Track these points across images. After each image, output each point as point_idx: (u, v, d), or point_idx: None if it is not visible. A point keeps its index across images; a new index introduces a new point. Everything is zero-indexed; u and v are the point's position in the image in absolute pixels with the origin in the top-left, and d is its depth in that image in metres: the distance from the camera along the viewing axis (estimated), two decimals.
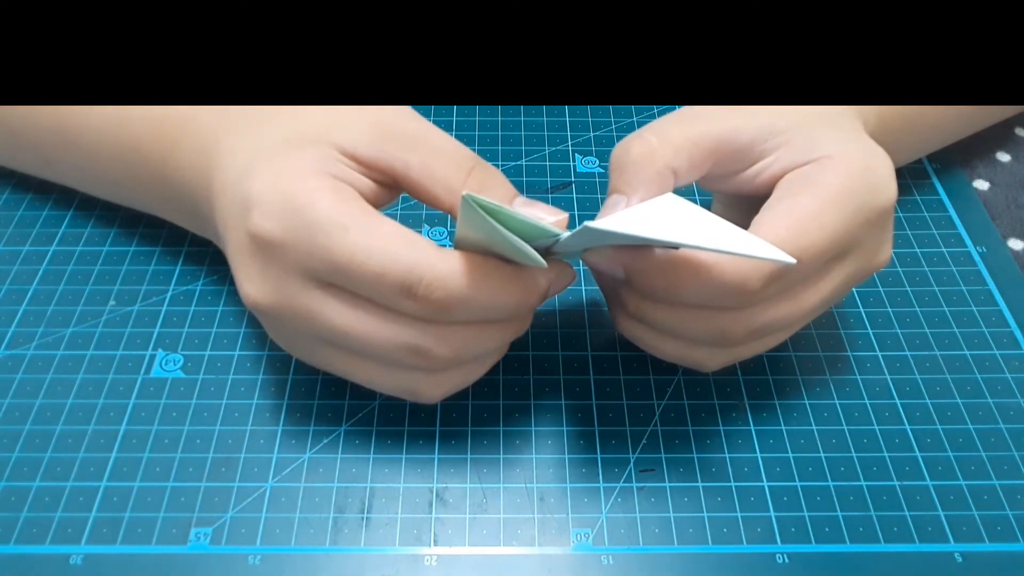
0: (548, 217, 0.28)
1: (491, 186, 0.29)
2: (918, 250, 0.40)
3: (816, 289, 0.30)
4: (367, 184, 0.29)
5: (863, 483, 0.32)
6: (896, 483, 0.32)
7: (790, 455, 0.32)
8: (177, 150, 0.32)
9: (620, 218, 0.28)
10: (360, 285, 0.27)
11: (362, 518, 0.30)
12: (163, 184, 0.34)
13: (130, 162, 0.35)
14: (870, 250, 0.31)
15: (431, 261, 0.26)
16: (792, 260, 0.25)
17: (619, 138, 0.45)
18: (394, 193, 0.30)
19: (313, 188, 0.27)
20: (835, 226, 0.28)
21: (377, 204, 0.29)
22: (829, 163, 0.29)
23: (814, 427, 0.33)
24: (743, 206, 0.31)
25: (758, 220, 0.29)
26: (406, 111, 0.30)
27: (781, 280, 0.28)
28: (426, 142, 0.29)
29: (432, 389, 0.30)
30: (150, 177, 0.34)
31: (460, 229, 0.27)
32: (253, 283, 0.28)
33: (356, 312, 0.27)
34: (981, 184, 0.44)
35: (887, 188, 0.30)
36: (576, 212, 0.42)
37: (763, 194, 0.30)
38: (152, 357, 0.35)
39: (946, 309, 0.37)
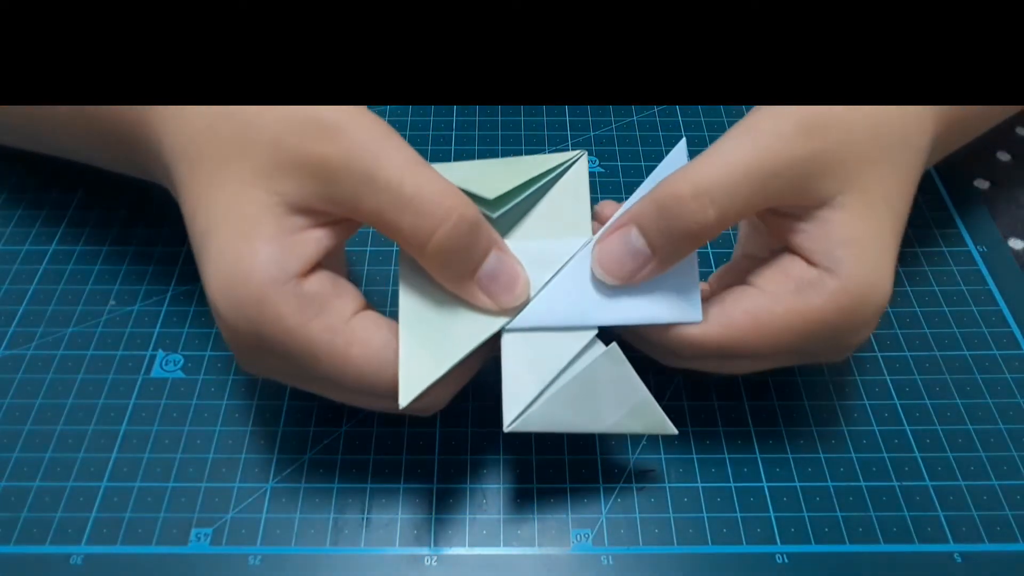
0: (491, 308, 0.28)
1: (461, 250, 0.26)
2: (918, 249, 0.40)
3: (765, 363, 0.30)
4: (324, 236, 0.27)
5: (863, 483, 0.32)
6: (896, 483, 0.32)
7: (789, 456, 0.32)
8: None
9: (537, 312, 0.28)
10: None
11: (362, 519, 0.31)
12: (92, 120, 0.32)
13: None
14: (824, 357, 0.31)
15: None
16: (698, 318, 0.28)
17: (619, 138, 0.46)
18: (357, 223, 0.28)
19: (274, 308, 0.25)
20: (798, 347, 0.29)
21: (343, 238, 0.28)
22: (827, 283, 0.28)
23: (813, 428, 0.33)
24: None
25: (734, 296, 0.29)
26: (358, 128, 0.26)
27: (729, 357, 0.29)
28: (376, 185, 0.26)
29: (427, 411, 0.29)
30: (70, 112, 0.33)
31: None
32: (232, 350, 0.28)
33: (336, 391, 0.28)
34: (982, 183, 0.44)
35: (868, 327, 0.29)
36: None
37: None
38: (152, 357, 0.35)
39: (946, 309, 0.37)
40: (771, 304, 0.28)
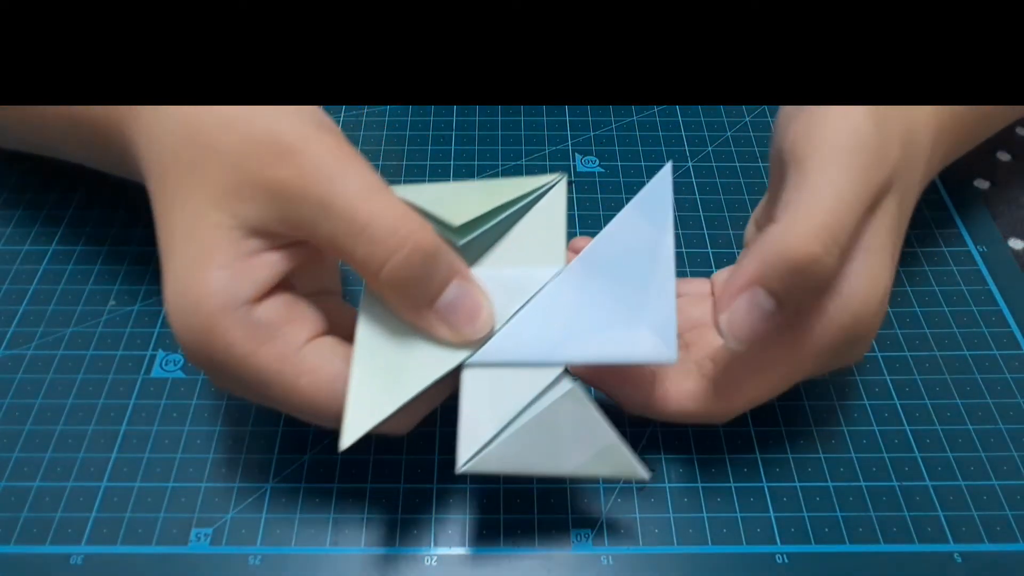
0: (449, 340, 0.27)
1: (417, 279, 0.26)
2: (918, 249, 0.40)
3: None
4: (281, 259, 0.27)
5: (863, 483, 0.32)
6: (895, 483, 0.32)
7: (789, 456, 0.32)
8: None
9: (500, 346, 0.27)
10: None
11: (362, 519, 0.31)
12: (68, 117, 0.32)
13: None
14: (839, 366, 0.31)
15: None
16: (673, 359, 0.26)
17: (619, 138, 0.46)
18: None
19: (223, 335, 0.25)
20: (793, 378, 0.29)
21: (304, 260, 0.27)
22: (828, 307, 0.27)
23: (813, 428, 0.33)
24: None
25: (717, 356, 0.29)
26: (315, 151, 0.26)
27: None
28: (331, 211, 0.25)
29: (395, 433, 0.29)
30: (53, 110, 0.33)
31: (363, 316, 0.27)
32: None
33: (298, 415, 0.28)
34: (982, 183, 0.44)
35: (862, 348, 0.29)
36: (576, 212, 0.42)
37: None
38: (152, 357, 0.35)
39: (946, 309, 0.37)
40: (774, 361, 0.29)
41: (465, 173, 0.43)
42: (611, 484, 0.31)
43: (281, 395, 0.26)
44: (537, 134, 0.46)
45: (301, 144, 0.26)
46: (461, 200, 0.28)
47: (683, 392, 0.30)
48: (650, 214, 0.27)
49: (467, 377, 0.27)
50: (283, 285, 0.27)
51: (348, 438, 0.25)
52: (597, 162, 0.44)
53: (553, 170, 0.44)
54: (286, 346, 0.26)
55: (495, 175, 0.43)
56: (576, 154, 0.45)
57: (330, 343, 0.27)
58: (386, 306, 0.27)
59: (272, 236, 0.26)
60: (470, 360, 0.27)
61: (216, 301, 0.25)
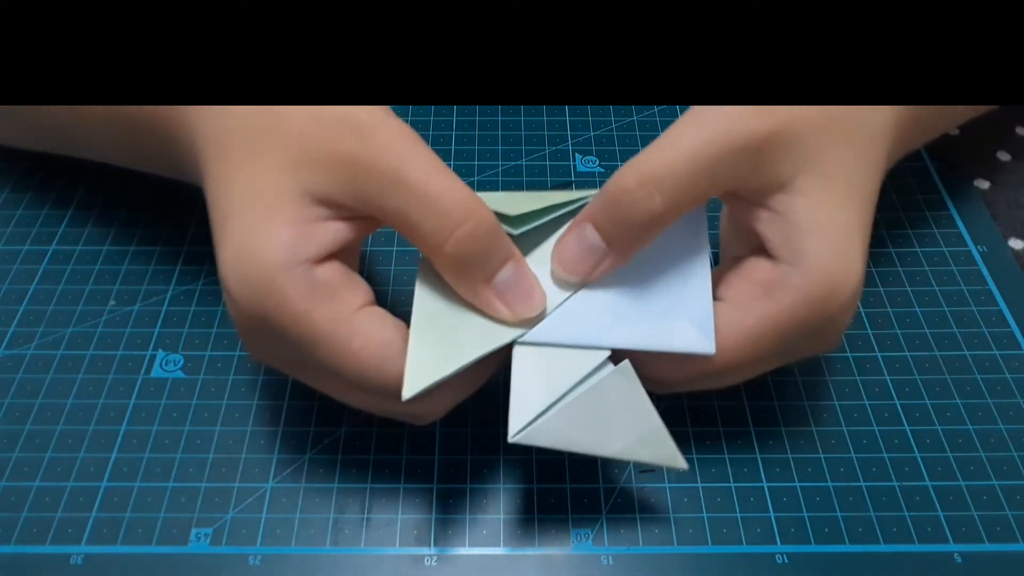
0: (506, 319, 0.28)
1: (479, 254, 0.27)
2: (918, 249, 0.40)
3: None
4: (344, 229, 0.27)
5: (862, 484, 0.32)
6: (895, 484, 0.32)
7: (789, 456, 0.32)
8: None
9: (551, 328, 0.28)
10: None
11: (362, 519, 0.31)
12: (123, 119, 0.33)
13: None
14: (812, 349, 0.30)
15: (401, 351, 0.27)
16: (711, 351, 0.28)
17: (619, 138, 0.46)
18: (376, 222, 0.29)
19: (282, 290, 0.26)
20: (779, 350, 0.29)
21: (361, 235, 0.28)
22: (792, 278, 0.28)
23: (813, 428, 0.33)
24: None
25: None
26: (388, 131, 0.27)
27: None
28: (402, 185, 0.26)
29: (426, 418, 0.30)
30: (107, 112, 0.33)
31: (419, 294, 0.28)
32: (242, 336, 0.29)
33: (335, 385, 0.28)
34: (982, 183, 0.44)
35: (845, 313, 0.28)
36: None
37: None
38: (152, 357, 0.35)
39: (946, 309, 0.37)
40: (742, 316, 0.28)
41: (465, 173, 0.43)
42: (611, 484, 0.31)
43: (331, 356, 0.26)
44: (537, 134, 0.46)
45: (374, 123, 0.27)
46: (514, 201, 0.30)
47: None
48: (687, 213, 0.29)
49: (518, 353, 0.28)
50: (340, 255, 0.28)
51: (410, 389, 0.26)
52: (597, 162, 0.44)
53: (553, 170, 0.44)
54: (342, 309, 0.26)
55: (495, 175, 0.43)
56: (576, 154, 0.45)
57: (380, 312, 0.27)
58: (444, 283, 0.28)
59: (336, 207, 0.27)
60: (522, 338, 0.28)
61: (278, 256, 0.26)
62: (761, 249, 0.29)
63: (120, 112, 0.32)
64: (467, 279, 0.27)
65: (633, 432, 0.28)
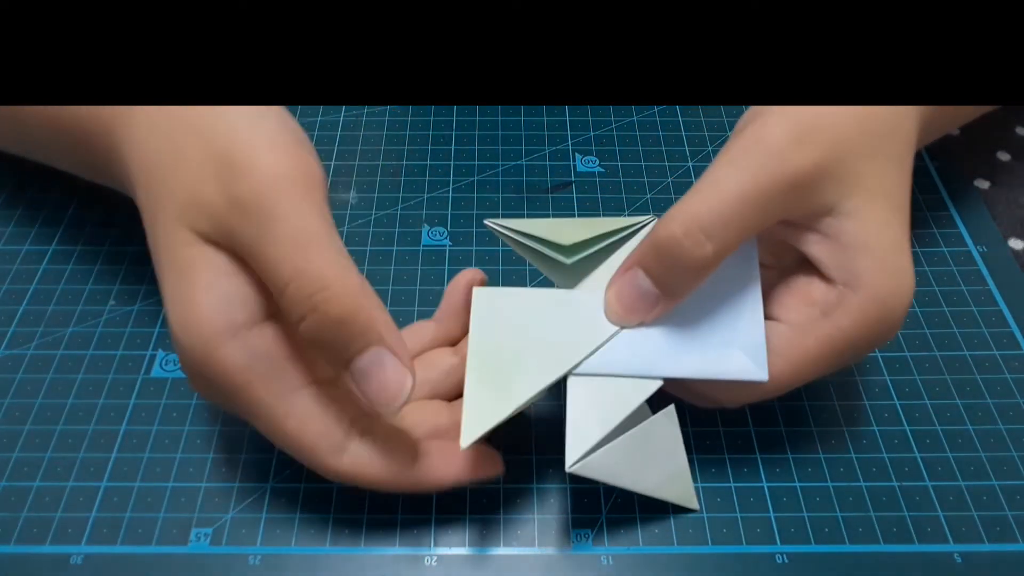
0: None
1: (335, 339, 0.25)
2: (919, 249, 0.40)
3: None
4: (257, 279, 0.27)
5: (862, 484, 0.32)
6: (895, 484, 0.32)
7: (789, 456, 0.32)
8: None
9: (604, 359, 0.29)
10: None
11: (362, 518, 0.30)
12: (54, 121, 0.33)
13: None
14: (860, 359, 0.32)
15: (338, 443, 0.27)
16: (764, 378, 0.28)
17: (619, 138, 0.46)
18: None
19: (219, 362, 0.26)
20: (834, 367, 0.29)
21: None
22: (851, 300, 0.28)
23: (813, 428, 0.33)
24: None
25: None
26: (263, 178, 0.26)
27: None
28: (262, 255, 0.25)
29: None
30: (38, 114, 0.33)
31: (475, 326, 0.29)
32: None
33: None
34: (982, 183, 0.44)
35: (896, 328, 0.29)
36: (576, 212, 0.42)
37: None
38: (152, 357, 0.35)
39: (946, 309, 0.37)
40: (802, 338, 0.29)
41: (465, 173, 0.43)
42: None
43: (267, 430, 0.27)
44: (537, 134, 0.46)
45: (248, 163, 0.26)
46: (566, 229, 0.30)
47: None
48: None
49: (573, 383, 0.28)
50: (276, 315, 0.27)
51: (467, 439, 0.26)
52: (597, 162, 0.44)
53: (553, 170, 0.44)
54: (281, 385, 0.26)
55: (495, 175, 0.43)
56: (576, 154, 0.45)
57: (327, 396, 0.27)
58: (497, 316, 0.29)
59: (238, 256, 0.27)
60: (578, 369, 0.29)
61: (210, 328, 0.26)
62: (805, 265, 0.30)
63: (58, 118, 0.33)
64: (324, 358, 0.27)
65: (665, 471, 0.29)
